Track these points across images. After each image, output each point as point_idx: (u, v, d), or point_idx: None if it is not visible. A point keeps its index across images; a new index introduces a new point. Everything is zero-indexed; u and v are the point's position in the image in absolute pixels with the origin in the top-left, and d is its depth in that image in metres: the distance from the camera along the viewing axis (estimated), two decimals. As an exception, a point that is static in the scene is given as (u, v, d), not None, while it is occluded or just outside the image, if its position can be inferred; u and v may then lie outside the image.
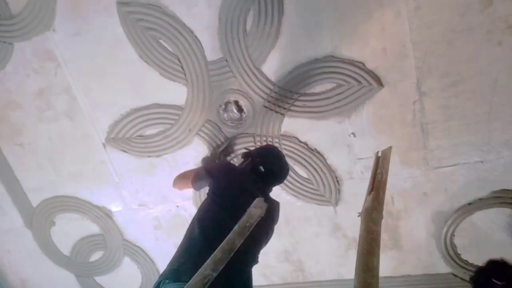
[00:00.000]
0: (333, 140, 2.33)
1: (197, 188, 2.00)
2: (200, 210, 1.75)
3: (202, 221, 1.65)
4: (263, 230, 1.75)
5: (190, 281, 1.25)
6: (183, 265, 1.52)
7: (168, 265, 1.57)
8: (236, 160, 2.47)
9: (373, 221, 1.36)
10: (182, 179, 2.09)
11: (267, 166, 1.89)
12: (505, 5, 1.81)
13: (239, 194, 1.72)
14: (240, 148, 2.48)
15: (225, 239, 1.73)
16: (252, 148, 2.14)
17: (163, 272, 1.56)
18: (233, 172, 1.88)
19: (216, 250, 1.47)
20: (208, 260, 1.33)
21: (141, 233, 3.01)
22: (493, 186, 2.20)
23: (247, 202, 1.55)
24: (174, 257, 1.60)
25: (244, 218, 1.58)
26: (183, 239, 1.66)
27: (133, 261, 3.15)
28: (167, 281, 1.49)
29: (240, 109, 2.32)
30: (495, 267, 1.91)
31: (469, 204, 2.27)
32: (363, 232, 1.31)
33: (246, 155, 2.00)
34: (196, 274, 1.27)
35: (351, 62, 2.09)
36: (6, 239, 3.39)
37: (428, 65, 2.01)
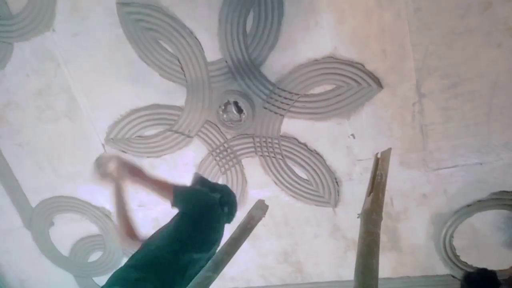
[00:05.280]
0: (333, 141, 2.33)
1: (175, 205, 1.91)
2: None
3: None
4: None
5: (191, 283, 1.25)
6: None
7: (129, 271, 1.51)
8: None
9: (372, 222, 1.36)
10: (160, 190, 1.97)
11: (232, 210, 1.94)
12: (505, 7, 1.82)
13: (211, 231, 1.75)
14: (240, 148, 2.49)
15: (226, 241, 1.73)
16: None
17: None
18: (209, 206, 1.85)
19: (217, 252, 1.47)
20: (209, 262, 1.33)
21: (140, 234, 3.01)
22: (492, 188, 2.20)
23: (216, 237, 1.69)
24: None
25: (245, 219, 1.58)
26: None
27: (132, 261, 3.15)
28: None
29: (239, 110, 2.32)
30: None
31: (468, 205, 2.27)
32: (363, 233, 1.31)
33: (209, 186, 1.97)
34: (197, 276, 1.27)
35: (351, 64, 2.10)
36: (5, 239, 3.38)
37: (427, 67, 2.01)
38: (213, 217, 1.78)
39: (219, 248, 1.69)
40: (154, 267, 1.52)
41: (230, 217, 1.93)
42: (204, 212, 1.77)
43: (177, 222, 1.75)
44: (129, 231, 1.93)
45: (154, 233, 1.82)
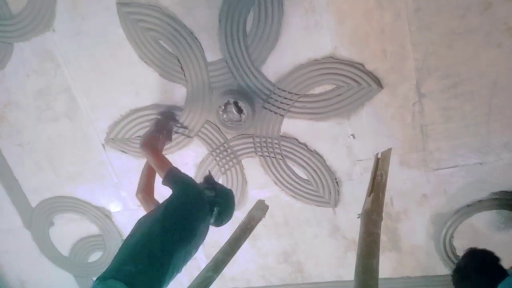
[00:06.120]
0: (333, 141, 2.33)
1: (164, 183, 1.95)
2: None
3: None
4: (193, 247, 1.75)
5: (191, 283, 1.26)
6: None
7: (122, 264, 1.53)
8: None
9: (373, 223, 1.36)
10: (159, 167, 2.02)
11: (222, 214, 1.91)
12: (505, 7, 1.82)
13: (192, 219, 1.74)
14: (240, 147, 2.49)
15: (227, 241, 1.74)
16: (214, 176, 2.08)
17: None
18: (195, 195, 1.86)
19: (217, 252, 1.47)
20: (209, 262, 1.33)
21: (140, 234, 3.01)
22: (492, 188, 2.20)
23: (195, 227, 1.67)
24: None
25: (245, 219, 1.57)
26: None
27: (132, 261, 3.15)
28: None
29: (239, 110, 2.32)
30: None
31: (468, 206, 2.27)
32: (363, 234, 1.31)
33: (210, 184, 1.97)
34: (197, 276, 1.27)
35: (351, 64, 2.10)
36: (4, 239, 3.38)
37: (427, 67, 2.01)
38: (195, 211, 1.77)
39: (220, 249, 1.68)
40: (143, 257, 1.53)
41: (218, 221, 1.90)
42: (188, 203, 1.77)
43: (161, 211, 1.76)
44: (146, 189, 2.20)
45: (137, 223, 1.83)
